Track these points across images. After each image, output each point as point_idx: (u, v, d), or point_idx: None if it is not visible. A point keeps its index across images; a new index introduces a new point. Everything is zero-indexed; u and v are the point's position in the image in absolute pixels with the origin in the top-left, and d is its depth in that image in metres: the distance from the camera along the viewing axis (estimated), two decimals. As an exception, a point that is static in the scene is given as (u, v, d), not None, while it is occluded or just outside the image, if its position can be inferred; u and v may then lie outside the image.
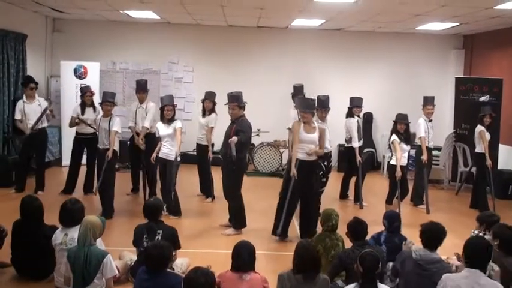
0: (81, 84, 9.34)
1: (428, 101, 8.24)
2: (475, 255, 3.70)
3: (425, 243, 4.27)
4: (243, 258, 3.89)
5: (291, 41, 11.49)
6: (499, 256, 4.27)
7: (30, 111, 7.96)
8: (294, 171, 6.12)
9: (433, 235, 4.27)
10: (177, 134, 7.00)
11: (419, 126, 8.10)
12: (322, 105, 7.18)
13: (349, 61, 11.63)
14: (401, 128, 7.26)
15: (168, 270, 4.03)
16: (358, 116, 8.35)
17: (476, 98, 9.70)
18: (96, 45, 11.25)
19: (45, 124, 8.16)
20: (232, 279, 3.84)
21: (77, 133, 8.20)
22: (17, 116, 8.03)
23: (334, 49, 11.63)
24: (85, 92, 8.24)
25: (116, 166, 7.72)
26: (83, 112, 8.10)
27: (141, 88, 8.16)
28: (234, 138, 6.25)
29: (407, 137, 7.34)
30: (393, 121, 7.41)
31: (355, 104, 8.26)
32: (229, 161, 6.36)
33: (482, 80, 10.00)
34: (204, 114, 8.16)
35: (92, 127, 7.98)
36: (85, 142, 8.16)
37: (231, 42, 11.50)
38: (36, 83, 8.22)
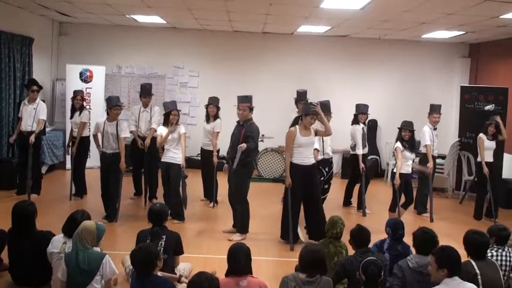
0: (86, 88, 9.38)
1: (435, 109, 8.19)
2: (449, 263, 3.66)
3: (418, 250, 4.31)
4: (240, 261, 3.81)
5: (297, 47, 11.50)
6: None
7: (25, 113, 7.93)
8: (289, 180, 6.27)
9: (423, 243, 4.28)
10: (181, 140, 6.99)
11: (425, 134, 8.04)
12: (326, 109, 7.23)
13: (354, 68, 11.62)
14: (406, 135, 7.23)
15: (162, 274, 4.01)
16: (364, 123, 8.34)
17: (481, 107, 9.67)
18: (102, 49, 11.30)
19: (34, 127, 7.86)
20: (228, 285, 3.72)
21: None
22: (20, 115, 8.03)
23: (340, 56, 11.63)
24: (76, 95, 8.28)
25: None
26: (72, 116, 8.21)
27: (147, 92, 8.20)
28: (244, 145, 6.25)
29: (411, 144, 7.31)
30: (398, 128, 7.40)
31: (360, 111, 8.24)
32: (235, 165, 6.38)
33: (488, 88, 9.97)
34: (208, 120, 8.16)
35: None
36: None
37: (236, 48, 11.52)
38: (40, 87, 8.14)
